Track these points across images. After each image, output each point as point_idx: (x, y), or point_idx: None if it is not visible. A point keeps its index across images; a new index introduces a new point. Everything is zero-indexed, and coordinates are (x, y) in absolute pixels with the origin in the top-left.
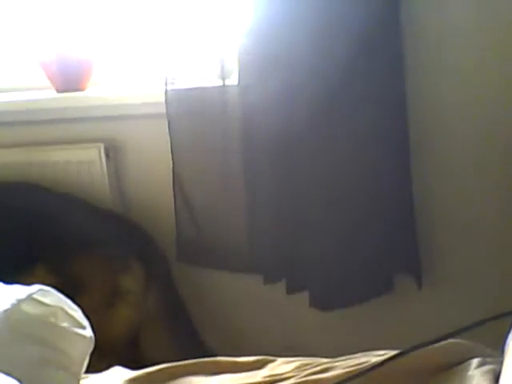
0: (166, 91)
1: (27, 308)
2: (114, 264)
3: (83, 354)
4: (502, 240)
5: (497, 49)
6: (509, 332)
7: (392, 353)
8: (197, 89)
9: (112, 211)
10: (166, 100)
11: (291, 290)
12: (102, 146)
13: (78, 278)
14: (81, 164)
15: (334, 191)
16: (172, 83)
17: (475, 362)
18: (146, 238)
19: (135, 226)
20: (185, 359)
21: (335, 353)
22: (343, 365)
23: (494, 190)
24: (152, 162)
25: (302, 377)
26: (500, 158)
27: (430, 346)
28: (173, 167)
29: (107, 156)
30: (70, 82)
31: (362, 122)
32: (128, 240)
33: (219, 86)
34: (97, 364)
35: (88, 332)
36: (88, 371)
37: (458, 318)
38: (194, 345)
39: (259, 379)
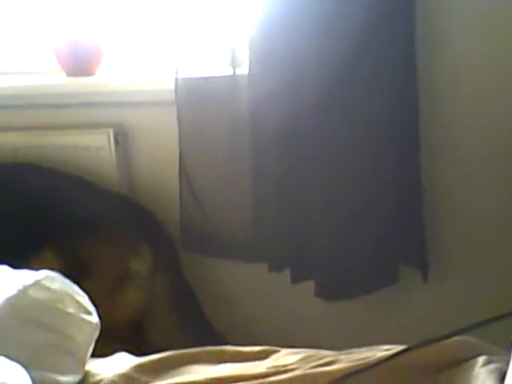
0: (176, 79)
1: (34, 294)
2: (122, 247)
3: (89, 339)
4: (509, 234)
5: (509, 41)
6: None
7: (398, 348)
8: (207, 78)
9: (120, 194)
10: (175, 88)
11: (296, 279)
12: (111, 131)
13: (86, 261)
14: (90, 149)
15: (340, 182)
16: (183, 71)
17: (481, 360)
18: (153, 222)
19: (143, 209)
20: (193, 344)
21: (339, 343)
22: (348, 358)
23: (502, 183)
24: (160, 148)
25: (306, 369)
26: (510, 152)
27: (437, 343)
28: (180, 155)
29: (116, 141)
30: (80, 66)
31: (370, 111)
32: (136, 223)
33: (229, 76)
34: (101, 348)
35: (94, 318)
36: (93, 355)
37: (463, 312)
38: (203, 329)
39: (263, 370)
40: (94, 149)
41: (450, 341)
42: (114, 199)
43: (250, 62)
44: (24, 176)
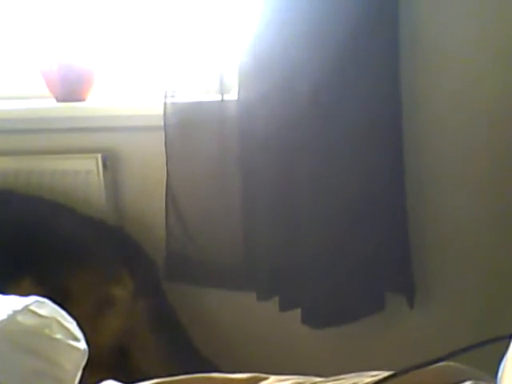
0: (165, 104)
1: (23, 319)
2: (103, 273)
3: (77, 366)
4: (494, 261)
5: (496, 40)
6: (503, 356)
7: (385, 374)
8: (195, 103)
9: (99, 219)
10: (164, 113)
11: (284, 307)
12: (99, 156)
13: (67, 289)
14: (78, 173)
15: (329, 210)
16: (172, 96)
17: None
18: (135, 248)
19: (124, 234)
20: (180, 369)
21: (327, 370)
22: None
23: (488, 210)
24: (149, 173)
25: None
26: (495, 177)
27: (423, 369)
28: (167, 180)
29: (105, 166)
30: (70, 91)
31: (363, 135)
32: (116, 249)
33: (217, 101)
34: (89, 376)
35: (82, 344)
36: (80, 383)
37: (450, 338)
38: (189, 354)
39: None
40: (82, 173)
41: (436, 366)
42: (94, 225)
43: (240, 88)
44: (4, 203)
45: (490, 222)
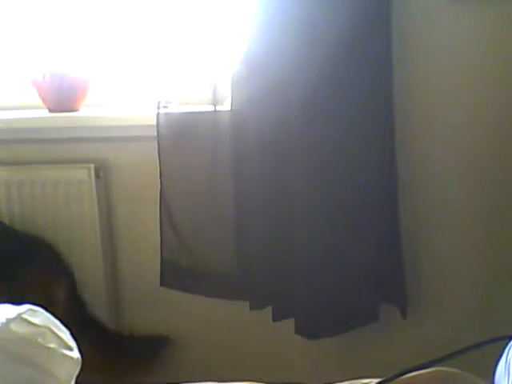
0: (158, 114)
1: (16, 327)
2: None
3: (70, 375)
4: (486, 272)
5: (491, 37)
6: (498, 360)
7: (376, 380)
8: (188, 113)
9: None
10: (157, 123)
11: (277, 317)
12: (92, 166)
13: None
14: (71, 183)
15: (322, 222)
16: (165, 107)
17: None
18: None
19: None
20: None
21: (320, 380)
22: None
23: (481, 221)
24: (142, 184)
25: None
26: (489, 189)
27: (416, 373)
28: (160, 190)
29: (97, 176)
30: (63, 102)
31: (355, 142)
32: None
33: (210, 111)
34: None
35: (75, 353)
36: None
37: (442, 348)
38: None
39: None
40: (75, 183)
41: (428, 371)
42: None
43: (232, 99)
44: None
45: (483, 233)
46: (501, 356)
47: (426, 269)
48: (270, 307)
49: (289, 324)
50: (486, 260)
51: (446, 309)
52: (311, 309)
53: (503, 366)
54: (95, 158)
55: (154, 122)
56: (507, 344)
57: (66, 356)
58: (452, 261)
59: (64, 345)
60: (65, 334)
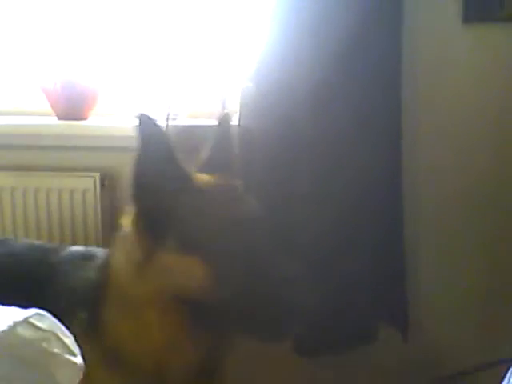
0: (167, 126)
1: (22, 331)
2: None
3: (72, 381)
4: (488, 295)
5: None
6: (501, 382)
7: None
8: (196, 126)
9: None
10: None
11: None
12: (97, 175)
13: None
14: (76, 192)
15: (322, 239)
16: (173, 119)
17: None
18: None
19: None
20: None
21: None
22: None
23: (482, 244)
24: None
25: None
26: (497, 202)
27: None
28: None
29: (103, 185)
30: (72, 110)
31: (362, 155)
32: None
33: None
34: None
35: (78, 359)
36: None
37: (443, 369)
38: None
39: None
40: (80, 192)
41: None
42: None
43: (241, 114)
44: None
45: (490, 251)
46: (503, 378)
47: (427, 291)
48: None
49: (287, 343)
50: (491, 280)
51: (447, 329)
52: (310, 328)
53: None
54: (101, 167)
55: None
56: (510, 367)
57: (70, 361)
58: (456, 287)
59: (68, 350)
60: (69, 340)
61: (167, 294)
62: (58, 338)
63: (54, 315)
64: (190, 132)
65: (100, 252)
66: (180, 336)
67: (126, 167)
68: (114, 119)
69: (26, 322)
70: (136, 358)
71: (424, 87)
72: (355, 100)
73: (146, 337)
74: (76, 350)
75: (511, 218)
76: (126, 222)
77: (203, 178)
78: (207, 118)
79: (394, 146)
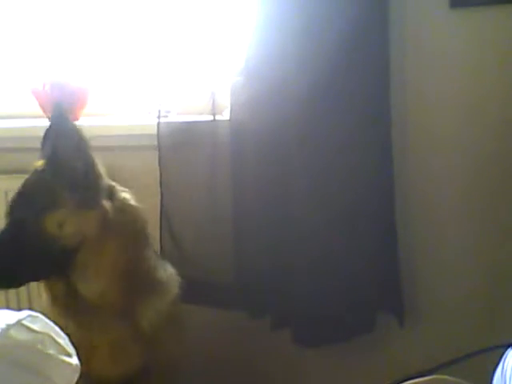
0: (159, 123)
1: (15, 334)
2: None
3: (69, 381)
4: (483, 279)
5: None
6: (496, 368)
7: None
8: (188, 122)
9: None
10: (157, 132)
11: (275, 326)
12: None
13: None
14: None
15: (320, 233)
16: (165, 116)
17: None
18: None
19: None
20: None
21: None
22: None
23: (478, 229)
24: (142, 193)
25: None
26: (487, 198)
27: (415, 381)
28: (161, 199)
29: None
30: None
31: (354, 151)
32: None
33: (210, 121)
34: None
35: (74, 360)
36: None
37: (440, 356)
38: None
39: None
40: None
41: (426, 379)
42: None
43: (232, 108)
44: None
45: (480, 241)
46: (498, 364)
47: (422, 277)
48: (268, 316)
49: (286, 333)
50: (483, 268)
51: (443, 317)
52: (309, 318)
53: (500, 374)
54: None
55: (154, 132)
56: (504, 352)
57: (65, 362)
58: (449, 269)
59: (63, 351)
60: (64, 341)
61: None
62: (53, 339)
63: None
64: (182, 128)
65: None
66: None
67: (119, 167)
68: (105, 119)
69: (19, 324)
70: None
71: (412, 72)
72: (345, 92)
73: None
74: (71, 350)
75: (503, 217)
76: None
77: None
78: (198, 113)
79: (384, 133)
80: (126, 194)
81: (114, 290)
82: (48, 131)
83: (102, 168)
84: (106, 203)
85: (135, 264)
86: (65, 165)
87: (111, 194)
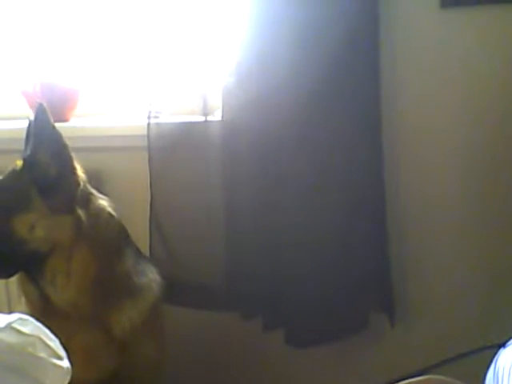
0: (149, 124)
1: (5, 337)
2: None
3: None
4: (474, 279)
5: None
6: (488, 368)
7: None
8: (179, 123)
9: None
10: (147, 133)
11: (267, 327)
12: None
13: None
14: None
15: (313, 233)
16: (156, 117)
17: None
18: None
19: None
20: None
21: None
22: None
23: (469, 226)
24: (133, 195)
25: None
26: (479, 195)
27: (407, 381)
28: (151, 201)
29: None
30: (53, 112)
31: (346, 154)
32: None
33: (201, 122)
34: None
35: (65, 363)
36: None
37: (432, 356)
38: None
39: None
40: None
41: (419, 379)
42: None
43: (223, 109)
44: None
45: (471, 239)
46: (490, 364)
47: (414, 276)
48: (260, 318)
49: (279, 334)
50: (476, 267)
51: (435, 317)
52: (301, 318)
53: (492, 375)
54: (85, 169)
55: (145, 132)
56: (496, 352)
57: (56, 365)
58: (440, 267)
59: (54, 354)
60: (55, 343)
61: None
62: (43, 341)
63: None
64: (173, 129)
65: None
66: None
67: (109, 168)
68: (95, 120)
69: (9, 327)
70: None
71: (402, 72)
72: (336, 92)
73: None
74: (62, 353)
75: (497, 214)
76: None
77: None
78: (190, 114)
79: (374, 133)
80: (103, 202)
81: (84, 298)
82: (29, 130)
83: (82, 174)
84: (81, 210)
85: (108, 272)
86: (42, 168)
87: (88, 201)
